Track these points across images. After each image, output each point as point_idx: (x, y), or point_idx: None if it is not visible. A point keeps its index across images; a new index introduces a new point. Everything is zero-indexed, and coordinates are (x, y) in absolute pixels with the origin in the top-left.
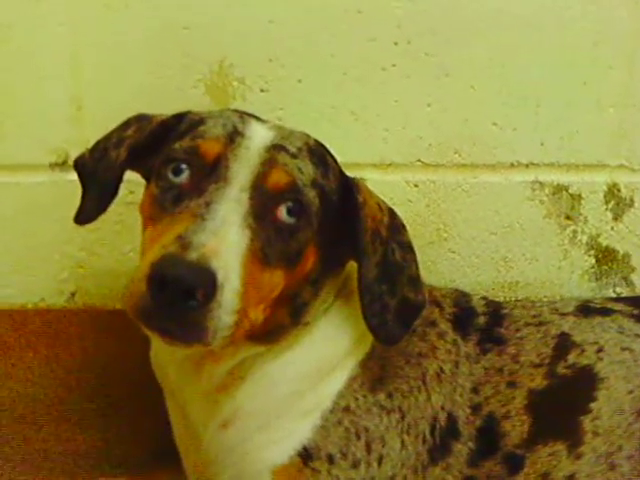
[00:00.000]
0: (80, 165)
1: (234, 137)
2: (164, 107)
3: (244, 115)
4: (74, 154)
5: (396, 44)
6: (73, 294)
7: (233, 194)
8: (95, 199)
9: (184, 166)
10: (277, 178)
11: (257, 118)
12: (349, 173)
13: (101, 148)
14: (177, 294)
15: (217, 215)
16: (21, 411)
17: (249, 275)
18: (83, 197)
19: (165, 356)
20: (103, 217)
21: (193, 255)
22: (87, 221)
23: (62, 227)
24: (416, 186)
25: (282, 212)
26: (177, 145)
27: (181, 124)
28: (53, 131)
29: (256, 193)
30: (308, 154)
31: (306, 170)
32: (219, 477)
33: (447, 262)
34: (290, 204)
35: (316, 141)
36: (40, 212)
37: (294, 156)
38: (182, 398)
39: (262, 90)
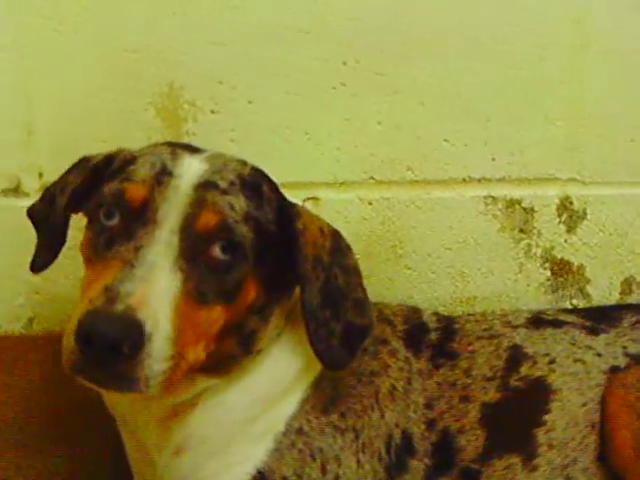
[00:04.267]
0: (33, 213)
1: (162, 178)
2: (116, 131)
3: (177, 150)
4: (26, 180)
5: (345, 63)
6: (31, 320)
7: (163, 237)
8: (47, 246)
9: (114, 210)
10: (207, 219)
11: (191, 149)
12: (303, 192)
13: (49, 195)
14: (103, 349)
15: (146, 260)
16: None
17: (183, 317)
18: (37, 245)
19: None
20: None
21: (119, 308)
22: (42, 268)
23: (16, 253)
24: (370, 204)
25: (215, 251)
26: (106, 189)
27: (112, 164)
28: (5, 157)
29: (186, 234)
30: (241, 187)
31: (238, 205)
32: None
33: (404, 278)
34: (223, 242)
35: (252, 169)
36: None
37: (225, 192)
38: (135, 425)
39: (213, 112)
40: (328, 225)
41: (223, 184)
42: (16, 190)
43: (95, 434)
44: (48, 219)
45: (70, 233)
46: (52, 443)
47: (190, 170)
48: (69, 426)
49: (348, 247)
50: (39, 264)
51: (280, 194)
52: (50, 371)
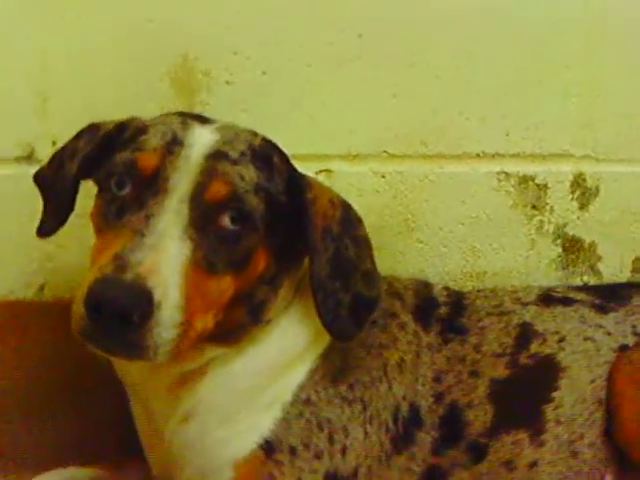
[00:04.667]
0: (39, 178)
1: (173, 147)
2: (130, 100)
3: (187, 120)
4: (40, 148)
5: (360, 36)
6: (42, 287)
7: (172, 206)
8: (55, 212)
9: (126, 179)
10: (217, 189)
11: (202, 120)
12: (316, 164)
13: (57, 161)
14: (113, 316)
15: (156, 229)
16: None
17: (193, 286)
18: (44, 210)
19: None
20: None
21: (128, 276)
22: (48, 234)
23: (30, 220)
24: (383, 177)
25: (225, 220)
26: (118, 158)
27: (124, 133)
28: (19, 125)
29: (196, 204)
30: (251, 158)
31: (248, 176)
32: (182, 472)
33: (415, 252)
34: (232, 212)
35: (263, 140)
36: (7, 205)
37: (235, 162)
38: (144, 393)
39: (227, 82)
40: (338, 196)
41: (234, 154)
42: (29, 158)
43: (104, 401)
44: (55, 185)
45: (82, 201)
46: (62, 408)
47: (201, 140)
48: (79, 392)
49: (358, 219)
50: (45, 229)
51: (290, 165)
52: (60, 337)
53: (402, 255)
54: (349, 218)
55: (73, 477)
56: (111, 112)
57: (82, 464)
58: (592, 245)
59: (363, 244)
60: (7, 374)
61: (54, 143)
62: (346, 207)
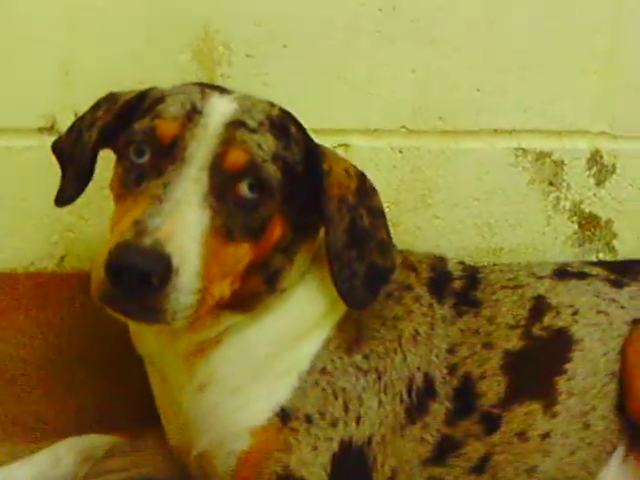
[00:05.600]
0: (57, 148)
1: (192, 116)
2: (152, 72)
3: (206, 89)
4: (62, 118)
5: (380, 10)
6: (63, 258)
7: (191, 174)
8: (73, 181)
9: (145, 146)
10: (235, 157)
11: (220, 90)
12: (334, 138)
13: (76, 130)
14: (132, 280)
15: (173, 196)
16: (13, 372)
17: (211, 253)
18: (62, 179)
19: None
20: (91, 182)
21: (147, 241)
22: (66, 203)
23: (51, 191)
24: (401, 152)
25: (243, 188)
26: (137, 126)
27: (144, 102)
28: (41, 96)
29: (215, 172)
30: (269, 127)
31: (266, 145)
32: (199, 440)
33: (432, 228)
34: (251, 180)
35: (281, 110)
36: (29, 176)
37: (254, 131)
38: (160, 363)
39: (248, 55)
40: (354, 167)
41: (252, 124)
42: (52, 129)
43: (123, 369)
44: (74, 154)
45: (103, 173)
46: (81, 379)
47: (219, 109)
48: (98, 362)
49: (373, 189)
50: (64, 198)
51: (307, 136)
52: (80, 308)
53: (419, 230)
54: (364, 188)
55: (92, 444)
56: (132, 84)
57: (101, 432)
58: (608, 222)
59: (378, 214)
60: (28, 343)
61: (76, 114)
62: (361, 177)
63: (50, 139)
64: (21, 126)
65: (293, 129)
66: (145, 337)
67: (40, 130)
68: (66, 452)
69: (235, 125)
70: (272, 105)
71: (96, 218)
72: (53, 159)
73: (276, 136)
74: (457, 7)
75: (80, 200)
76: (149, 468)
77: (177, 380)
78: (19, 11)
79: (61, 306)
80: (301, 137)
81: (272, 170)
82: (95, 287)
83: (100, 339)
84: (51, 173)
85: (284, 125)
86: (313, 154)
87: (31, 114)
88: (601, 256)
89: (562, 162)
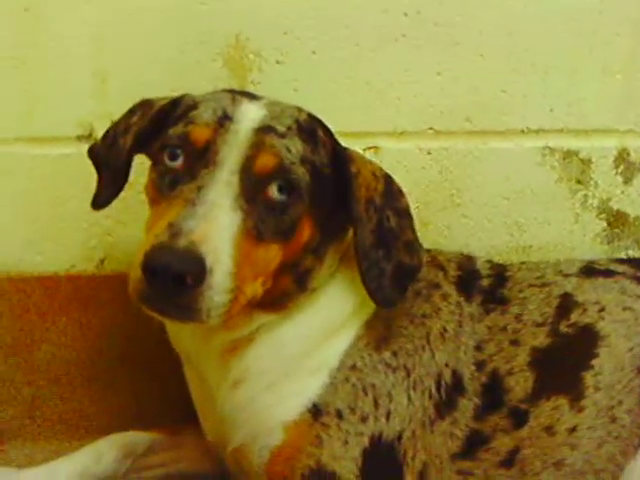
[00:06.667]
0: (93, 153)
1: (223, 122)
2: (184, 80)
3: (237, 96)
4: (99, 126)
5: (406, 14)
6: (102, 261)
7: (223, 177)
8: (109, 185)
9: (179, 151)
10: (265, 161)
11: (250, 97)
12: (364, 141)
13: (111, 136)
14: (168, 280)
15: (207, 199)
16: (56, 372)
17: (243, 254)
18: (98, 183)
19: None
20: (128, 186)
21: (182, 243)
22: (103, 206)
23: (89, 197)
24: (429, 153)
25: (273, 191)
26: (171, 131)
27: (177, 108)
28: (79, 105)
29: (246, 175)
30: (298, 132)
31: (295, 148)
32: (234, 436)
33: (461, 227)
34: (280, 183)
35: (309, 115)
36: (68, 182)
37: (282, 136)
38: (197, 360)
39: (278, 62)
40: (381, 169)
41: (281, 128)
42: (89, 136)
43: (162, 369)
44: (109, 158)
45: (139, 179)
46: (122, 378)
47: (249, 115)
48: (137, 362)
49: (400, 190)
50: (100, 201)
51: (334, 139)
52: (119, 309)
53: (448, 230)
54: (391, 190)
55: (133, 441)
56: (166, 91)
57: (141, 429)
58: (637, 219)
59: (404, 215)
60: (70, 345)
61: (112, 122)
62: (388, 179)
63: (87, 147)
64: (60, 134)
65: (320, 133)
66: (182, 336)
67: (78, 138)
68: (108, 448)
69: (264, 130)
70: (300, 110)
71: (133, 222)
72: (91, 166)
73: (304, 140)
74: (480, 10)
75: (118, 205)
76: (187, 463)
77: (213, 377)
78: (55, 23)
79: (101, 308)
80: (328, 141)
81: (300, 172)
82: (132, 287)
83: (139, 339)
84: (89, 180)
85: (312, 129)
86: (341, 157)
87: (70, 123)
88: (630, 253)
89: (589, 160)
